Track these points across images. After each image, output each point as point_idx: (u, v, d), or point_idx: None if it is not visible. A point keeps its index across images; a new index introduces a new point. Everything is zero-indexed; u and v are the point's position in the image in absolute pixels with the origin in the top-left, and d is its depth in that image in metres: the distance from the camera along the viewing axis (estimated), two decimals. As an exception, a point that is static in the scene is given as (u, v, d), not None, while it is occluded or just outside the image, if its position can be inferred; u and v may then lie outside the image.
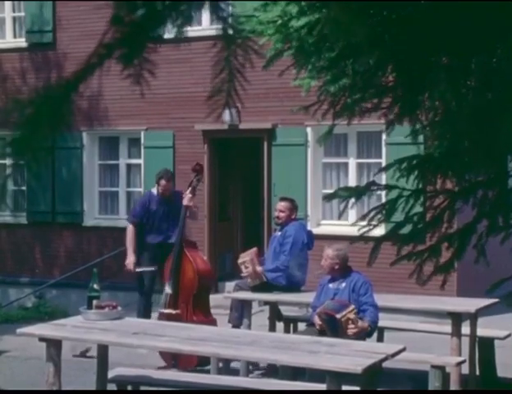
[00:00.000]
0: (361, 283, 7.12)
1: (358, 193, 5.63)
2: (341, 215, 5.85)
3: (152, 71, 2.47)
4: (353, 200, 5.59)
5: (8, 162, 14.26)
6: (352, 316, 6.73)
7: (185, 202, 8.73)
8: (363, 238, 5.72)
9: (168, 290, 8.45)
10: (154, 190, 9.39)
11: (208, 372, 7.69)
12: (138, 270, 8.95)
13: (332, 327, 6.76)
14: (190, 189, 8.74)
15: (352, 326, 6.69)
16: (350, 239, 7.25)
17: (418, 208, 5.61)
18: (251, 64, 2.58)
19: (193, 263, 8.51)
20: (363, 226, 5.59)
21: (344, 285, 7.20)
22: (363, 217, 5.60)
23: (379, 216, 5.54)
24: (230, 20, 2.57)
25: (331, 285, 7.31)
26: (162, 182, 9.22)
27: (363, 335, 6.90)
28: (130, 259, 9.02)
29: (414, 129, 5.28)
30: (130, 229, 9.18)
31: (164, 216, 9.08)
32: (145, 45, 2.46)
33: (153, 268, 8.93)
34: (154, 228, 9.10)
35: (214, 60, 2.57)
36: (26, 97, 2.49)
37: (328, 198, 5.95)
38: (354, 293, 7.09)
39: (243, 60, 2.55)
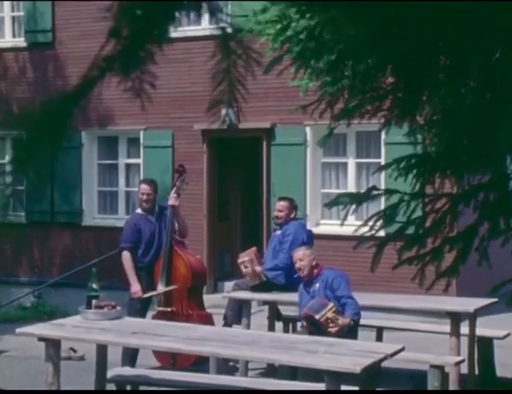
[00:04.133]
0: (332, 278, 7.14)
1: (359, 199, 5.62)
2: (343, 223, 5.83)
3: (152, 83, 2.45)
4: (354, 207, 5.59)
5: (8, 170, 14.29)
6: (330, 315, 6.70)
7: (171, 202, 8.47)
8: (363, 238, 5.71)
9: (161, 287, 8.43)
10: (139, 210, 8.85)
11: (205, 370, 7.69)
12: (146, 295, 8.36)
13: (316, 327, 6.77)
14: (174, 189, 8.68)
15: (332, 325, 6.68)
16: (350, 239, 7.25)
17: (419, 212, 5.60)
18: (252, 75, 2.57)
19: (185, 259, 8.51)
20: (365, 233, 5.58)
21: (318, 285, 7.24)
22: (364, 223, 5.58)
23: (380, 221, 5.52)
24: (230, 30, 2.55)
25: (306, 289, 7.35)
26: (142, 186, 8.66)
27: (348, 330, 6.88)
28: (137, 287, 8.35)
29: (412, 128, 5.28)
30: (126, 256, 8.46)
31: (155, 233, 8.56)
32: (144, 58, 2.44)
33: (156, 292, 8.40)
34: (147, 249, 8.55)
35: (213, 71, 2.54)
36: (26, 111, 2.48)
37: (329, 205, 5.95)
38: (327, 289, 7.10)
39: (243, 70, 2.53)
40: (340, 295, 7.01)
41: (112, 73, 2.45)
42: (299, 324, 8.74)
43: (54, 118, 2.44)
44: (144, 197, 8.65)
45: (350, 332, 6.84)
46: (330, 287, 7.08)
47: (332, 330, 6.65)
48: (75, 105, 2.49)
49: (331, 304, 6.81)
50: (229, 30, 2.57)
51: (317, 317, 6.69)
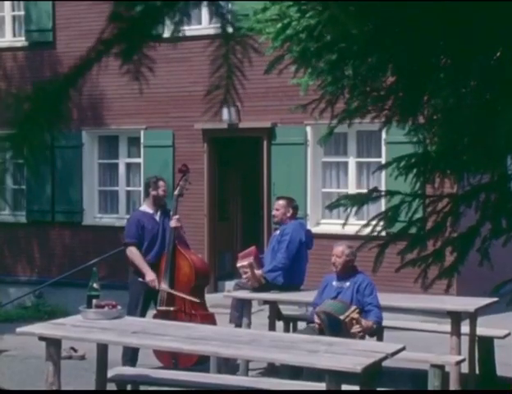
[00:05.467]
0: (366, 284, 7.12)
1: (361, 201, 5.62)
2: (344, 225, 5.84)
3: (151, 67, 2.45)
4: (355, 209, 5.59)
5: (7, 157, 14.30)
6: (356, 316, 6.73)
7: (173, 224, 8.46)
8: (366, 238, 5.72)
9: (164, 287, 8.42)
10: (143, 207, 8.82)
11: (207, 370, 7.69)
12: (162, 288, 8.37)
13: (331, 326, 6.76)
14: (178, 189, 8.69)
15: (357, 326, 6.70)
16: (350, 238, 7.24)
17: (420, 213, 5.61)
18: (250, 61, 2.57)
19: (188, 258, 8.51)
20: (367, 235, 5.58)
21: (348, 284, 7.20)
22: (366, 225, 5.58)
23: (382, 223, 5.53)
24: (228, 16, 2.56)
25: (335, 283, 7.31)
26: (161, 183, 8.66)
27: (367, 334, 6.91)
28: (152, 276, 8.33)
29: (413, 128, 5.28)
30: (133, 250, 8.46)
31: (159, 232, 8.55)
32: (144, 41, 2.44)
33: (171, 290, 8.41)
34: (150, 247, 8.54)
35: (212, 57, 2.55)
36: (24, 92, 2.47)
37: (331, 207, 5.95)
38: (358, 293, 7.09)
39: (241, 57, 2.54)
40: (368, 302, 7.03)
41: (110, 57, 2.45)
42: (300, 324, 8.75)
43: (50, 97, 2.43)
44: (164, 193, 8.69)
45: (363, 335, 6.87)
46: (362, 292, 7.08)
47: (356, 330, 6.66)
48: (71, 85, 2.48)
49: (354, 306, 6.83)
50: (228, 17, 2.57)
51: (341, 317, 6.68)
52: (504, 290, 5.52)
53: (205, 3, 2.58)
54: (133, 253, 8.49)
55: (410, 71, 4.40)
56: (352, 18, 3.68)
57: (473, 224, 5.43)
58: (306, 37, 4.55)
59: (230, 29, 2.54)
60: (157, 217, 8.64)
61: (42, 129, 2.44)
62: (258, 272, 8.44)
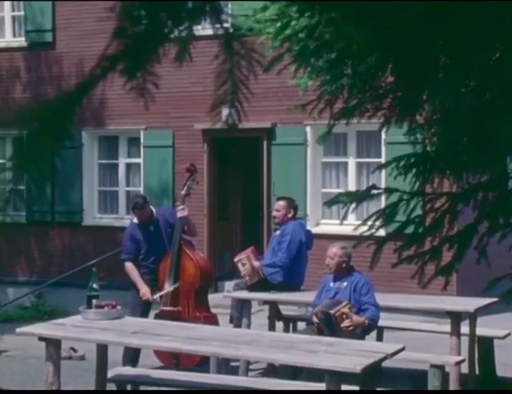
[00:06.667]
0: (363, 283, 7.13)
1: (359, 198, 5.64)
2: (342, 220, 5.85)
3: (156, 83, 2.45)
4: (353, 205, 5.60)
5: (8, 168, 14.29)
6: (346, 310, 6.73)
7: (180, 214, 8.53)
8: (363, 238, 5.73)
9: (168, 287, 8.43)
10: (135, 219, 8.91)
11: (207, 370, 7.68)
12: (155, 297, 8.48)
13: (329, 325, 6.77)
14: (185, 188, 8.71)
15: (347, 320, 6.69)
16: (350, 238, 7.25)
17: (418, 211, 5.62)
18: (255, 75, 2.56)
19: (194, 259, 8.52)
20: (365, 231, 5.60)
21: (345, 284, 7.21)
22: (364, 222, 5.60)
23: (380, 220, 5.54)
24: (232, 30, 2.55)
25: (332, 284, 7.32)
26: (136, 212, 8.73)
27: (361, 331, 6.90)
28: (145, 289, 8.46)
29: (412, 127, 5.29)
30: (129, 267, 8.62)
31: (151, 239, 8.63)
32: (148, 58, 2.44)
33: (164, 292, 8.47)
34: (148, 255, 8.63)
35: (216, 71, 2.54)
36: (29, 109, 2.47)
37: (329, 203, 5.95)
38: (355, 293, 7.10)
39: (246, 71, 2.53)
40: (365, 301, 7.03)
41: (114, 72, 2.45)
42: (299, 324, 8.75)
43: (56, 116, 2.44)
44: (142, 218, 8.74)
45: (361, 334, 6.86)
46: (358, 291, 7.09)
47: (346, 324, 6.66)
48: (76, 103, 2.48)
49: (346, 301, 6.84)
50: (231, 31, 2.56)
51: (331, 312, 6.69)
52: (501, 289, 5.52)
53: (209, 17, 2.56)
54: (128, 268, 8.65)
55: (409, 70, 4.41)
56: (349, 21, 3.68)
57: (471, 222, 5.44)
58: (305, 36, 4.55)
59: (234, 44, 2.53)
60: (151, 226, 8.70)
61: (47, 147, 2.45)
62: (256, 263, 8.46)
